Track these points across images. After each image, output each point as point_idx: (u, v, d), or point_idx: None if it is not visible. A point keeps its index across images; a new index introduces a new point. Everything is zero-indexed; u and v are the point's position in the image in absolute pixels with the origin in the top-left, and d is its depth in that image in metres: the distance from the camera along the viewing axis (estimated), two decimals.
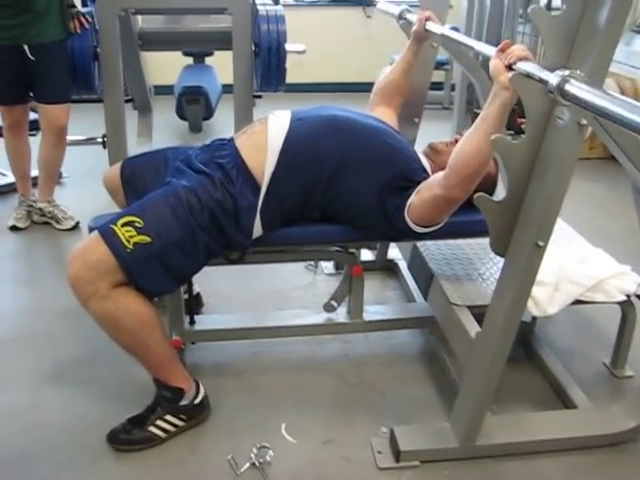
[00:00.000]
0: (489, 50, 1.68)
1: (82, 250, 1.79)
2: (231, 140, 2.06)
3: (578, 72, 1.36)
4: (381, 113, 2.31)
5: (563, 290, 2.14)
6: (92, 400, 2.16)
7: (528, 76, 1.48)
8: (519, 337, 2.00)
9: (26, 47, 3.12)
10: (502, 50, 1.60)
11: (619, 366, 2.34)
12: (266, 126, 2.00)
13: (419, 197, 1.88)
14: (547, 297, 2.11)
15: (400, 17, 2.47)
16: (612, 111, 1.19)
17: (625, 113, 1.15)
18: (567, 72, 1.36)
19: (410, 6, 2.51)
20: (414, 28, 2.30)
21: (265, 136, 1.96)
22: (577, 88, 1.32)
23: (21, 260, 3.25)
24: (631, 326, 2.26)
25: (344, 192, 1.97)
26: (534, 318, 2.32)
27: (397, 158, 1.99)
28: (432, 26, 2.22)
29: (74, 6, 3.29)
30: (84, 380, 2.26)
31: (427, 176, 1.97)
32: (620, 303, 2.20)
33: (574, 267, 2.23)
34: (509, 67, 1.56)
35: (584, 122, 1.54)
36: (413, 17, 2.36)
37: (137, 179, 2.19)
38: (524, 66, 1.51)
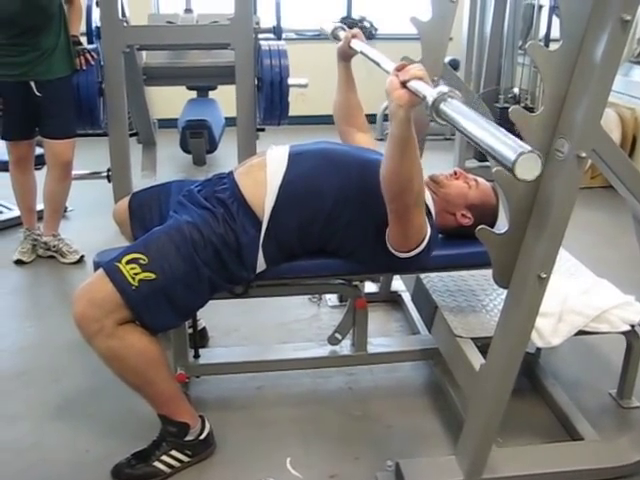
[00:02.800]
0: (391, 68, 1.68)
1: (87, 288, 1.80)
2: (230, 174, 2.07)
3: (457, 92, 1.40)
4: (360, 143, 2.33)
5: (567, 321, 2.14)
6: (96, 435, 2.15)
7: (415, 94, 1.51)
8: (524, 368, 1.99)
9: (32, 83, 3.17)
10: (398, 69, 1.59)
11: (625, 397, 2.33)
12: (265, 161, 2.01)
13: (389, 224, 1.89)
14: (551, 328, 2.11)
15: (333, 34, 2.49)
16: (472, 133, 1.28)
17: (482, 135, 1.25)
18: (446, 90, 1.39)
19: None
20: (338, 45, 2.34)
21: (264, 172, 1.98)
22: (450, 107, 1.36)
23: (26, 294, 3.26)
24: (636, 356, 2.25)
25: (344, 226, 1.97)
26: (538, 349, 2.32)
27: None
28: (355, 43, 2.25)
29: (80, 43, 3.34)
30: (88, 415, 2.26)
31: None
32: (624, 333, 2.20)
33: (578, 298, 2.23)
34: (404, 85, 1.55)
35: (583, 155, 1.56)
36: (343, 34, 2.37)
37: (144, 212, 2.22)
38: (414, 84, 1.52)
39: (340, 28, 2.45)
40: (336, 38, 2.44)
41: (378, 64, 1.94)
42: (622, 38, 1.49)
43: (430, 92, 1.42)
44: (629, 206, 1.85)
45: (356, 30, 2.32)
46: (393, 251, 1.90)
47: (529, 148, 1.17)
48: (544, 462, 1.98)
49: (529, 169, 1.17)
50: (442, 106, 1.38)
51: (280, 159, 2.00)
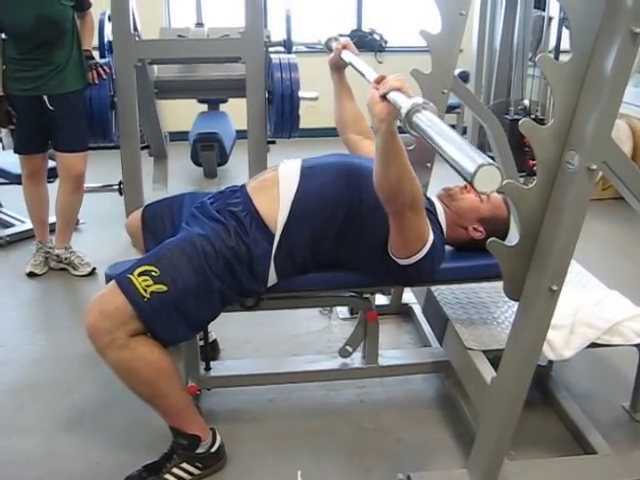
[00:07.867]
0: (373, 78, 1.67)
1: (100, 300, 1.81)
2: (243, 187, 2.08)
3: (431, 105, 1.39)
4: (367, 150, 2.30)
5: (579, 333, 2.13)
6: (108, 447, 2.15)
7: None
8: (535, 381, 1.98)
9: (45, 97, 3.20)
10: (377, 82, 1.59)
11: (639, 410, 2.31)
12: (277, 176, 2.02)
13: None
14: (563, 340, 2.10)
15: (327, 45, 2.48)
16: (441, 147, 1.26)
17: (450, 150, 1.23)
18: (420, 102, 1.38)
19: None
20: (330, 57, 2.34)
21: (277, 187, 1.99)
22: (422, 119, 1.35)
23: (38, 306, 3.28)
24: None
25: (355, 239, 1.97)
26: (550, 362, 2.31)
27: None
28: (346, 55, 2.25)
29: (92, 57, 3.38)
30: (100, 427, 2.26)
31: (433, 218, 1.98)
32: (637, 345, 2.18)
33: (589, 310, 2.22)
34: (384, 97, 1.54)
35: (594, 167, 1.56)
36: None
37: (156, 224, 2.24)
38: (393, 95, 1.51)
39: (334, 39, 2.44)
40: (329, 49, 2.44)
41: (363, 75, 1.94)
42: (632, 50, 1.50)
43: (404, 103, 1.42)
44: None
45: (346, 40, 2.32)
46: (393, 257, 1.92)
47: (489, 160, 1.17)
48: (556, 476, 1.96)
49: (488, 181, 1.17)
50: (415, 118, 1.37)
51: (292, 174, 2.01)
